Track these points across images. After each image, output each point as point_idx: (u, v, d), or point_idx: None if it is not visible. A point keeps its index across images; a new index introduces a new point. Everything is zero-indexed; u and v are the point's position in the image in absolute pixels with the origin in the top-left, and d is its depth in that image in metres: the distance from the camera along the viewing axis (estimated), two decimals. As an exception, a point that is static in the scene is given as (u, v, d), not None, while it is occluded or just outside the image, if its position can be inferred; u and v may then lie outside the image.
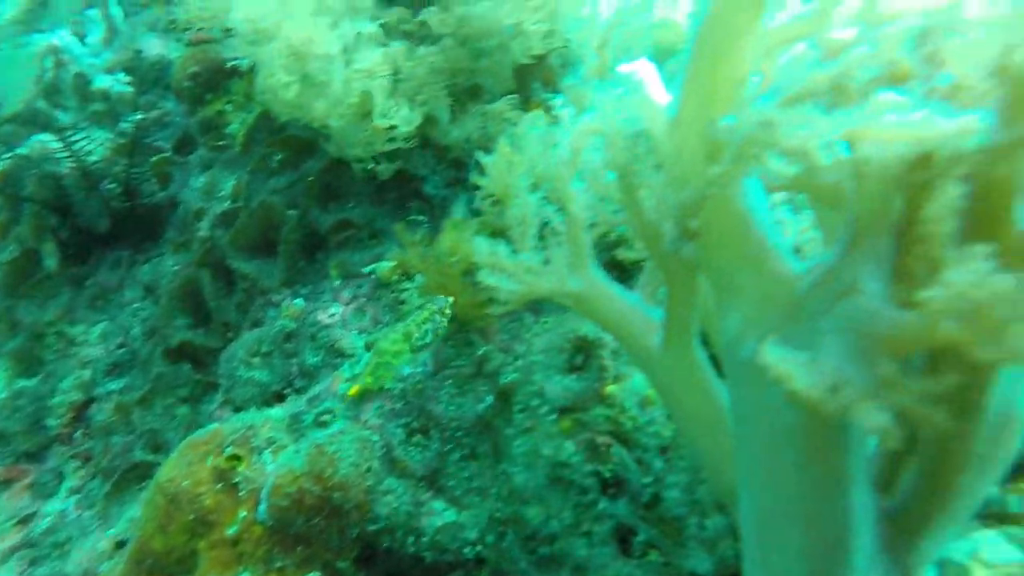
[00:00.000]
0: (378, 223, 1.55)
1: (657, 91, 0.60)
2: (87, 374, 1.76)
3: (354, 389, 1.26)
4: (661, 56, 1.54)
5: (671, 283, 0.72)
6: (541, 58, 1.68)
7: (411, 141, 1.56)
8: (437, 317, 1.24)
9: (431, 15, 1.62)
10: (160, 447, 1.53)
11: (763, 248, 0.61)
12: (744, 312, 0.63)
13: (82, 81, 2.03)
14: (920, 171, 0.47)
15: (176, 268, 1.73)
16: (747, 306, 0.63)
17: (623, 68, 0.60)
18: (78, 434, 1.71)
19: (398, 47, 1.57)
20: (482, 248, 0.79)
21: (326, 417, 1.28)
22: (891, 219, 0.51)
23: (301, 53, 1.45)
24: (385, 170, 1.56)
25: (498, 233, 1.40)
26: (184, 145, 1.99)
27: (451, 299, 1.26)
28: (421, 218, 1.58)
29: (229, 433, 1.22)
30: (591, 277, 0.78)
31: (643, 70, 0.60)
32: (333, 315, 1.41)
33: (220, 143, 1.94)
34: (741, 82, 0.56)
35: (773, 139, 0.49)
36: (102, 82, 1.96)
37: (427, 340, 1.23)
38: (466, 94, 1.67)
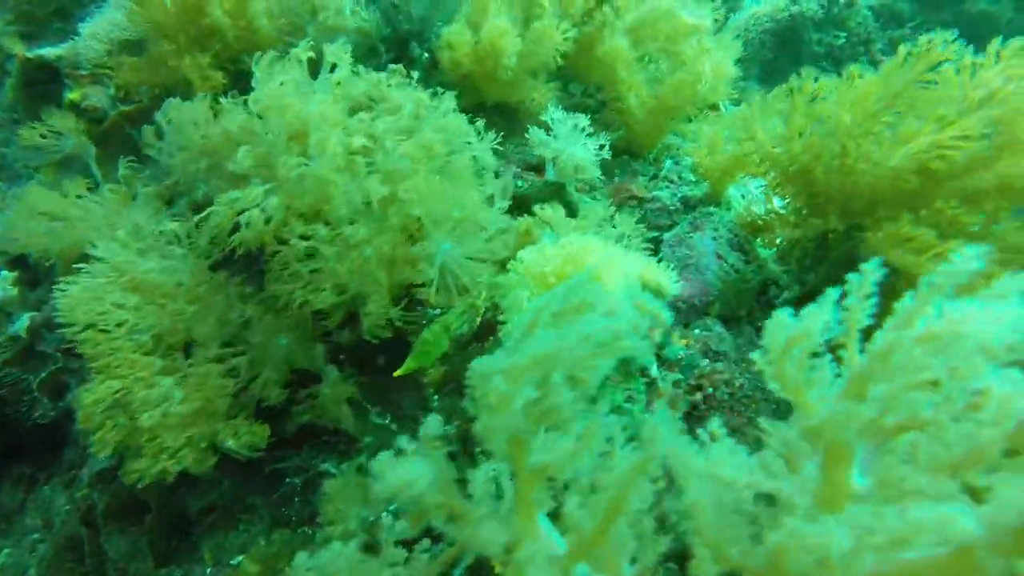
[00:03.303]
0: (249, 497, 1.49)
1: None
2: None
3: (398, 372, 1.32)
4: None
5: None
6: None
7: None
8: (471, 311, 1.38)
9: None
10: None
11: None
12: None
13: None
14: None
15: (67, 508, 1.70)
16: None
17: None
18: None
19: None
20: None
21: None
22: None
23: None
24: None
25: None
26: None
27: (482, 295, 1.44)
28: (296, 481, 1.52)
29: None
30: None
31: None
32: (199, 624, 1.38)
33: (113, 345, 1.87)
34: None
35: None
36: (-15, 287, 1.88)
37: (463, 330, 1.36)
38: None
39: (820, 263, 1.58)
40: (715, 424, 0.78)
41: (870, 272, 0.69)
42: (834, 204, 1.54)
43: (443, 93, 1.49)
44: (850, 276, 0.70)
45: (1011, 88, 1.36)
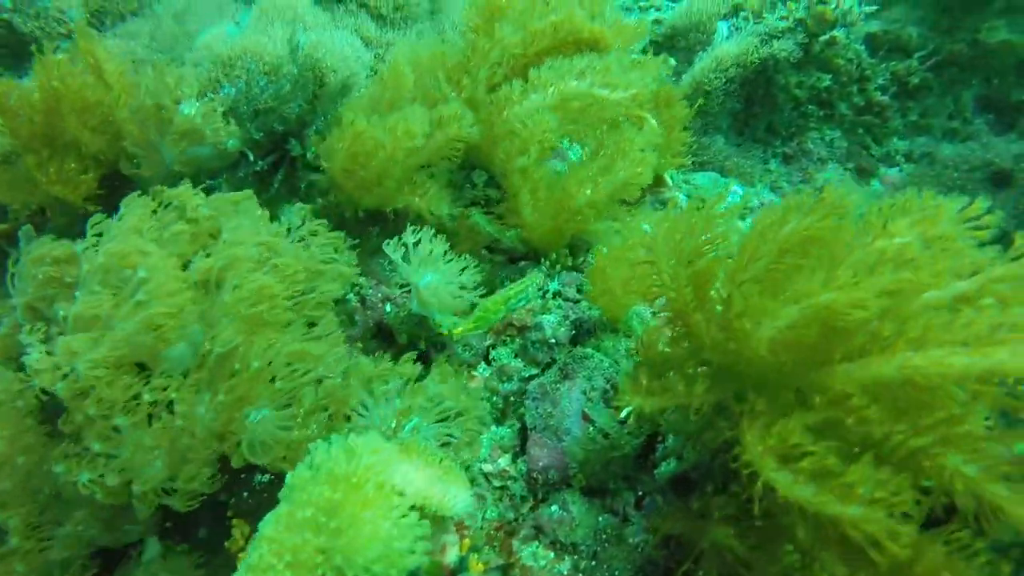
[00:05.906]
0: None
1: None
2: None
3: (459, 329, 1.41)
4: None
5: None
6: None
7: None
8: (531, 290, 1.44)
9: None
10: None
11: None
12: None
13: None
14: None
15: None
16: None
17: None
18: None
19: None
20: None
21: None
22: None
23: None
24: None
25: None
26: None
27: (543, 275, 1.58)
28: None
29: None
30: None
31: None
32: None
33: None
34: None
35: None
36: None
37: (520, 304, 1.44)
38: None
39: (696, 440, 1.30)
40: None
41: None
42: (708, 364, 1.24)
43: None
44: None
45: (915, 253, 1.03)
